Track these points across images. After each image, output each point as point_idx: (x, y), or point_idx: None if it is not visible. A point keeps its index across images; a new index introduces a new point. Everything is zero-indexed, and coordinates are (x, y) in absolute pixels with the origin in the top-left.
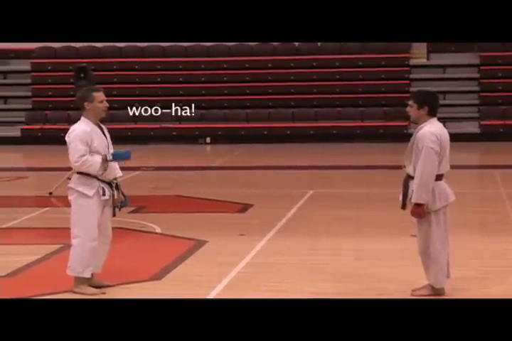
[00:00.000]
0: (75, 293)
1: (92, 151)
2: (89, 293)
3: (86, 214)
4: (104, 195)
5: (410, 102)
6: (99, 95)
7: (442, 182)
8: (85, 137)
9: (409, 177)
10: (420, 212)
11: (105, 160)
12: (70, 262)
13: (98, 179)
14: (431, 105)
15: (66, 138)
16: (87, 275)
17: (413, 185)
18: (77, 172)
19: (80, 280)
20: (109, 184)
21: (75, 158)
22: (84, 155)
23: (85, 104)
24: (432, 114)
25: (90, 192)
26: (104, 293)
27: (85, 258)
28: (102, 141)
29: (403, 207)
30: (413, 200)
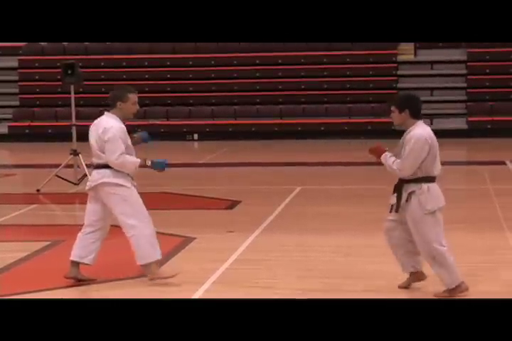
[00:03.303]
0: (153, 279)
1: (126, 149)
2: (166, 276)
3: (133, 203)
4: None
5: (392, 108)
6: (133, 97)
7: (436, 185)
8: (123, 135)
9: (402, 182)
10: (379, 151)
11: (143, 165)
12: (140, 252)
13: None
14: (412, 108)
15: (102, 134)
16: (160, 256)
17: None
18: (105, 167)
19: (149, 267)
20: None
21: (116, 156)
22: (123, 154)
23: (118, 103)
24: (415, 116)
25: (128, 183)
26: (173, 276)
27: (153, 243)
28: (129, 140)
29: (397, 210)
30: (382, 159)
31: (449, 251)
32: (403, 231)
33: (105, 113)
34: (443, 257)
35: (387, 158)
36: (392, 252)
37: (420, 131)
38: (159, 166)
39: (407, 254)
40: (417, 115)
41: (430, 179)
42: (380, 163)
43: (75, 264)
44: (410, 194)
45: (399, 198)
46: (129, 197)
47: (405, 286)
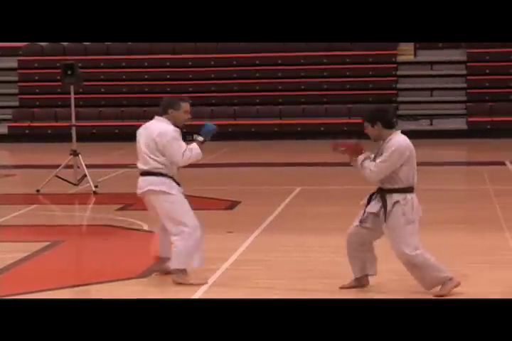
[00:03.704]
0: (178, 283)
1: None
2: (192, 283)
3: (179, 208)
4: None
5: (364, 123)
6: (186, 105)
7: (415, 196)
8: (179, 136)
9: (384, 191)
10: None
11: (201, 143)
12: (175, 257)
13: (169, 176)
14: (382, 119)
15: (158, 137)
16: (194, 265)
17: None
18: (150, 174)
19: (181, 272)
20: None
21: (180, 155)
22: (186, 150)
23: (170, 110)
24: (388, 127)
25: (173, 191)
26: (200, 284)
27: (191, 253)
28: None
29: (386, 220)
30: (359, 159)
31: (426, 252)
32: (367, 236)
33: (155, 117)
34: (422, 259)
35: (365, 160)
36: (350, 255)
37: (399, 139)
38: (211, 130)
39: (361, 259)
40: (389, 125)
41: (412, 190)
42: (349, 163)
43: (161, 260)
44: (394, 204)
45: (385, 207)
46: (176, 204)
47: (348, 287)
